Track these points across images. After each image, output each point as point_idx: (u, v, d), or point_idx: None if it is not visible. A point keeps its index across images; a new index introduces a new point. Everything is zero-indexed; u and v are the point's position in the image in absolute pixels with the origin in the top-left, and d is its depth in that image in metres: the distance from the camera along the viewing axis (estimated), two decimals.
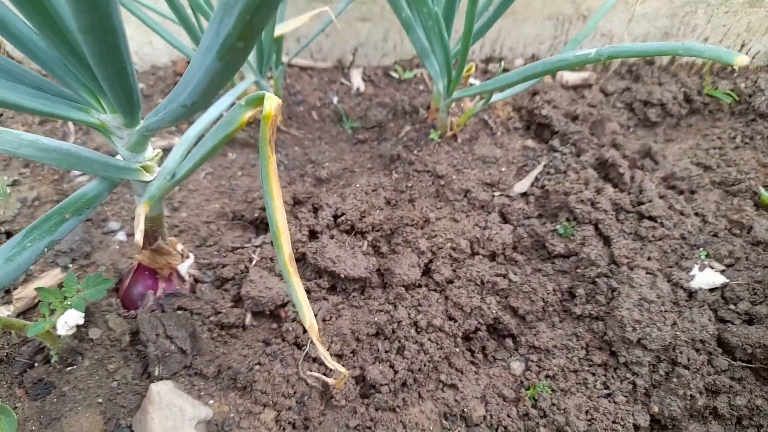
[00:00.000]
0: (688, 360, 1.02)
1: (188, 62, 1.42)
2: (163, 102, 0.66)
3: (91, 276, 0.86)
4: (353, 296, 1.14)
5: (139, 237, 0.66)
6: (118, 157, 0.79)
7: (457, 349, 1.10)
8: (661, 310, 1.06)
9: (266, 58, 1.19)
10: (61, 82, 0.69)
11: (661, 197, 1.29)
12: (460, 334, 1.09)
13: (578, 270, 1.16)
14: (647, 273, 1.13)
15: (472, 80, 1.50)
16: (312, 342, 0.80)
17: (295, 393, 0.99)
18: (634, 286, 1.09)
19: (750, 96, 1.57)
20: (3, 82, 0.63)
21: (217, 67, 0.50)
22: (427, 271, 1.17)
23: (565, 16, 1.45)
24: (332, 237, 1.15)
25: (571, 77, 1.53)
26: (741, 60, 0.66)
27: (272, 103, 0.66)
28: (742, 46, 1.58)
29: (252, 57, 1.19)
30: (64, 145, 0.70)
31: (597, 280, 1.13)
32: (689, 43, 0.69)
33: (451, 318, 1.09)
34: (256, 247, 1.14)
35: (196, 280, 1.08)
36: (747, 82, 1.59)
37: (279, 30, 1.13)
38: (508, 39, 1.50)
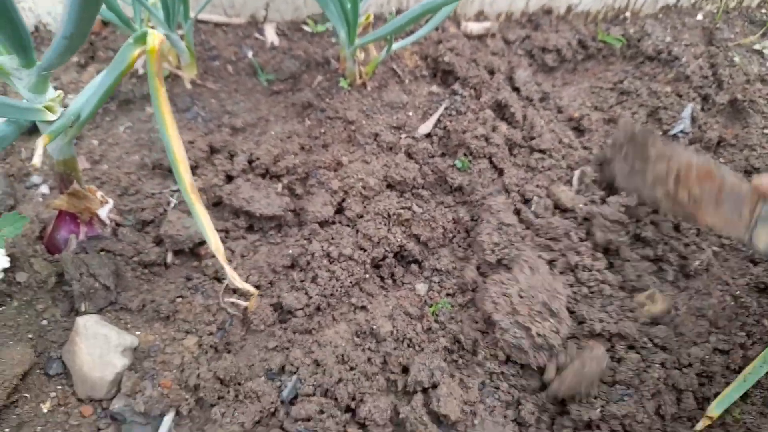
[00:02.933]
0: None
1: (101, 20, 1.45)
2: (44, 55, 0.72)
3: (6, 215, 0.92)
4: (270, 234, 1.23)
5: (36, 160, 0.73)
6: (24, 100, 0.84)
7: (367, 276, 1.21)
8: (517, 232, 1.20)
9: (173, 12, 1.24)
10: None
11: (552, 132, 1.42)
12: (369, 262, 1.20)
13: (472, 198, 1.29)
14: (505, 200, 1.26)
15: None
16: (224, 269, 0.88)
17: (216, 320, 1.09)
18: (493, 213, 1.22)
19: (638, 40, 1.71)
20: None
21: (65, 42, 0.57)
22: (339, 210, 1.27)
23: None
24: (247, 180, 1.24)
25: (474, 27, 1.63)
26: None
27: (155, 39, 0.74)
28: None
29: (159, 11, 1.23)
30: None
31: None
32: None
33: (361, 248, 1.20)
34: (174, 191, 1.21)
35: (118, 224, 1.15)
36: (636, 27, 1.73)
37: None
38: None
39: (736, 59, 1.65)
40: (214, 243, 0.88)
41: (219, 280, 1.14)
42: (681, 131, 1.45)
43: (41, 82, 0.81)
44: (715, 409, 1.02)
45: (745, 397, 1.07)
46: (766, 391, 1.09)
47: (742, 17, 1.83)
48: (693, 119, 1.48)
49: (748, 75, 1.63)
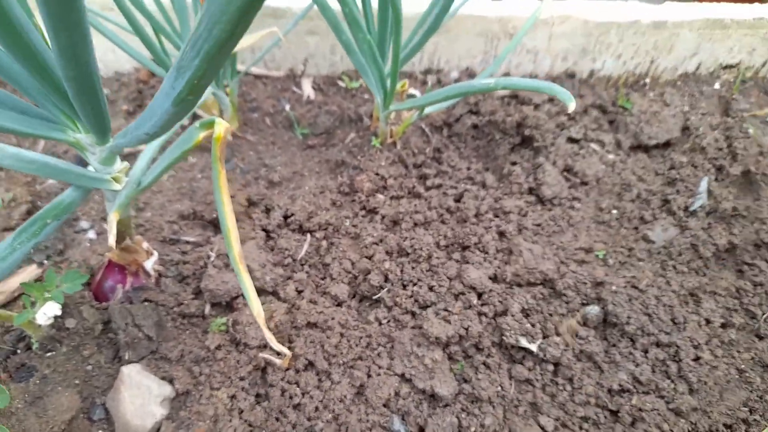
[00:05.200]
0: None
1: (149, 71, 1.54)
2: (130, 126, 0.79)
3: (69, 272, 1.00)
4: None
5: (112, 241, 0.80)
6: (90, 168, 0.92)
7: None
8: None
9: (222, 72, 1.32)
10: (40, 106, 0.82)
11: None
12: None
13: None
14: None
15: (413, 90, 1.66)
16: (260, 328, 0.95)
17: (249, 374, 1.15)
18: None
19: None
20: None
21: (172, 111, 0.64)
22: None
23: (493, 33, 1.62)
24: (281, 236, 1.31)
25: (503, 90, 1.71)
26: (572, 106, 0.83)
27: (222, 128, 0.82)
28: (651, 62, 1.79)
29: None
30: (42, 158, 0.83)
31: None
32: (553, 85, 0.86)
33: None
34: (214, 244, 1.28)
35: (161, 275, 1.22)
36: (654, 93, 1.80)
37: None
38: (444, 53, 1.66)
39: (751, 131, 1.71)
40: (257, 309, 0.95)
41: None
42: (700, 206, 1.51)
43: (111, 157, 0.89)
44: None
45: None
46: None
47: (758, 87, 1.89)
48: (710, 192, 1.54)
49: (762, 146, 1.69)
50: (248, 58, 1.46)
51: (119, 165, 0.93)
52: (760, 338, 1.34)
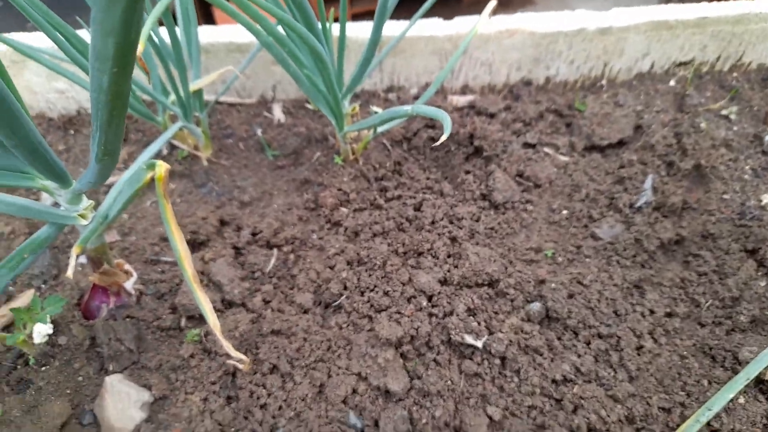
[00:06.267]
0: None
1: None
2: (80, 177, 0.94)
3: (50, 297, 1.15)
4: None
5: (70, 273, 0.94)
6: (62, 207, 1.07)
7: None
8: None
9: (188, 107, 1.47)
10: (15, 160, 0.97)
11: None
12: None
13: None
14: None
15: (376, 108, 1.78)
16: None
17: (219, 379, 1.29)
18: None
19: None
20: None
21: (99, 167, 0.78)
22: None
23: (446, 50, 1.73)
24: (249, 252, 1.45)
25: (460, 100, 1.82)
26: (445, 135, 0.94)
27: (162, 168, 0.95)
28: (605, 65, 1.88)
29: (177, 106, 1.46)
30: (21, 201, 0.98)
31: None
32: (443, 114, 0.97)
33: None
34: None
35: (141, 293, 1.37)
36: (608, 94, 1.89)
37: (194, 86, 1.41)
38: (403, 72, 1.78)
39: (703, 125, 1.79)
40: (212, 321, 1.08)
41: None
42: (645, 202, 1.60)
43: (76, 197, 1.04)
44: None
45: None
46: None
47: (714, 81, 1.96)
48: (655, 188, 1.63)
49: (714, 140, 1.76)
50: (220, 88, 1.60)
51: (85, 203, 1.07)
52: (702, 325, 1.43)
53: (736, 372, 1.32)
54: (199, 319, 1.37)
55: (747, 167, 1.70)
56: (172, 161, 1.64)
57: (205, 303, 1.07)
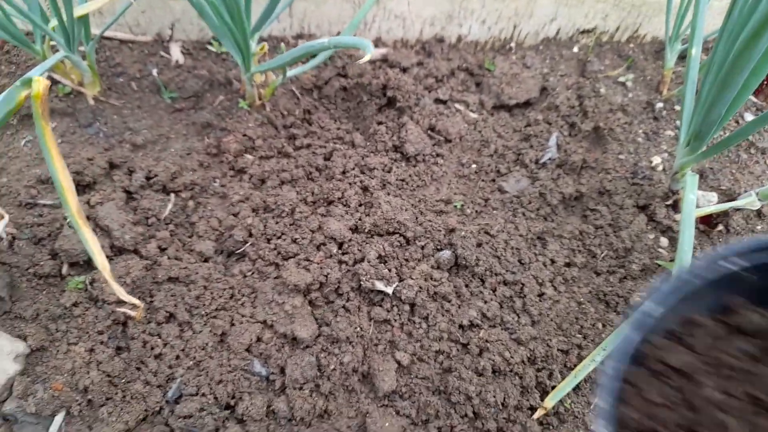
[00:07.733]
0: None
1: None
2: None
3: None
4: None
5: None
6: None
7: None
8: None
9: (72, 35, 1.31)
10: None
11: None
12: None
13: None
14: None
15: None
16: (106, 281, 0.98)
17: (107, 328, 1.18)
18: None
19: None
20: None
21: None
22: None
23: None
24: (143, 197, 1.33)
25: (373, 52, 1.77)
26: (367, 56, 0.91)
27: (39, 85, 0.83)
28: (515, 27, 1.91)
29: (59, 34, 1.30)
30: None
31: None
32: (363, 40, 0.92)
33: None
34: None
35: (15, 238, 1.21)
36: (516, 56, 1.93)
37: (79, 11, 1.25)
38: (313, 18, 1.70)
39: (602, 90, 1.87)
40: (101, 262, 0.97)
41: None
42: (549, 158, 1.65)
43: None
44: (549, 401, 1.20)
45: (576, 389, 1.27)
46: (593, 385, 1.29)
47: (613, 50, 2.06)
48: (558, 146, 1.68)
49: (612, 104, 1.85)
50: (110, 20, 1.44)
51: None
52: (598, 274, 1.50)
53: (627, 315, 1.39)
54: (83, 266, 1.24)
55: (640, 131, 1.80)
56: (52, 97, 1.46)
57: (91, 242, 0.96)
